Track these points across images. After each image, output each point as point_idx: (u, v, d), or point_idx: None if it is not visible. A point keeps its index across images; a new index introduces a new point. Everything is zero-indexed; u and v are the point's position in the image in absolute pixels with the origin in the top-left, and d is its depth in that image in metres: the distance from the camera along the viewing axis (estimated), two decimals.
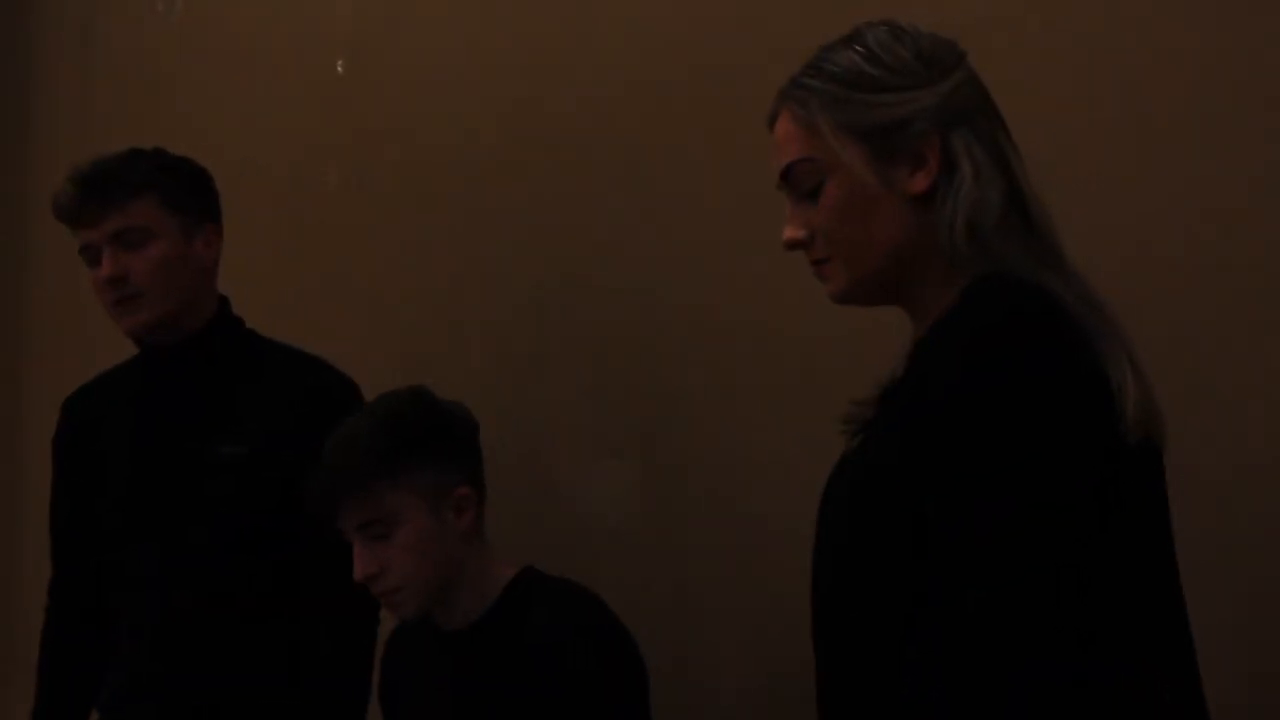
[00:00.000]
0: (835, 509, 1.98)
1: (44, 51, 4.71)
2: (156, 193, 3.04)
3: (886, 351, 2.74)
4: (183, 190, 3.09)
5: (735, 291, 3.08)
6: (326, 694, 2.98)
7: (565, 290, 3.37)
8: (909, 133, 1.98)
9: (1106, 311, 1.91)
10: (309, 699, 2.97)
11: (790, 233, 2.03)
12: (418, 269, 3.65)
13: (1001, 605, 1.75)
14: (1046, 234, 1.97)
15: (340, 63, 3.82)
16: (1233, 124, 2.44)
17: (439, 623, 2.83)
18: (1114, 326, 1.90)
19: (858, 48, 2.00)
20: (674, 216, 3.18)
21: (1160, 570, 1.91)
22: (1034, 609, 1.75)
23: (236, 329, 3.16)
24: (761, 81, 3.03)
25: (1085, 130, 2.57)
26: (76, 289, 4.58)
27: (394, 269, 3.66)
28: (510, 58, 3.48)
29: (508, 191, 3.49)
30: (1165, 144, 2.51)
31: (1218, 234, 2.45)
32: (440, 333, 3.61)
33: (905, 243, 1.98)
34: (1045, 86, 2.60)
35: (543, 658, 2.68)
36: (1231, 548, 2.38)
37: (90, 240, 3.04)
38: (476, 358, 3.51)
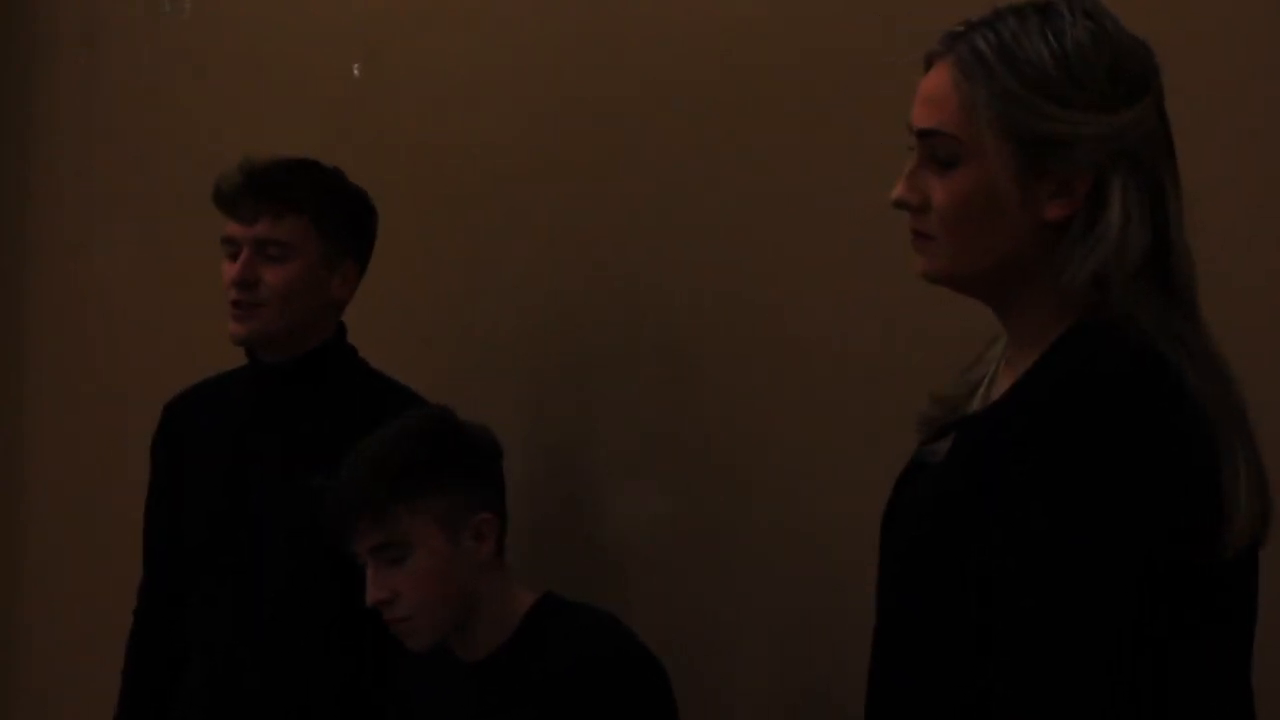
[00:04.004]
0: (904, 526, 1.90)
1: (45, 51, 4.68)
2: (313, 215, 3.03)
3: (926, 362, 2.72)
4: (340, 221, 3.06)
5: (766, 299, 3.05)
6: None
7: (590, 300, 3.33)
8: (1066, 157, 1.82)
9: (1229, 388, 1.79)
10: None
11: (901, 193, 1.88)
12: (436, 279, 3.62)
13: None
14: (1183, 289, 1.83)
15: (356, 66, 3.78)
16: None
17: (456, 653, 2.76)
18: (1236, 412, 1.78)
19: (1052, 41, 1.82)
20: (702, 224, 3.15)
21: (1224, 689, 1.80)
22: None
23: (348, 358, 3.12)
24: (791, 82, 3.02)
25: None
26: (77, 290, 4.58)
27: (412, 279, 3.64)
28: (533, 59, 3.45)
29: (530, 199, 3.45)
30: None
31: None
32: (460, 344, 3.57)
33: (1019, 261, 1.85)
34: None
35: (565, 688, 2.62)
36: None
37: (235, 234, 3.03)
38: (497, 370, 3.48)
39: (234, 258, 3.03)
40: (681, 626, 2.89)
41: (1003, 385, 1.91)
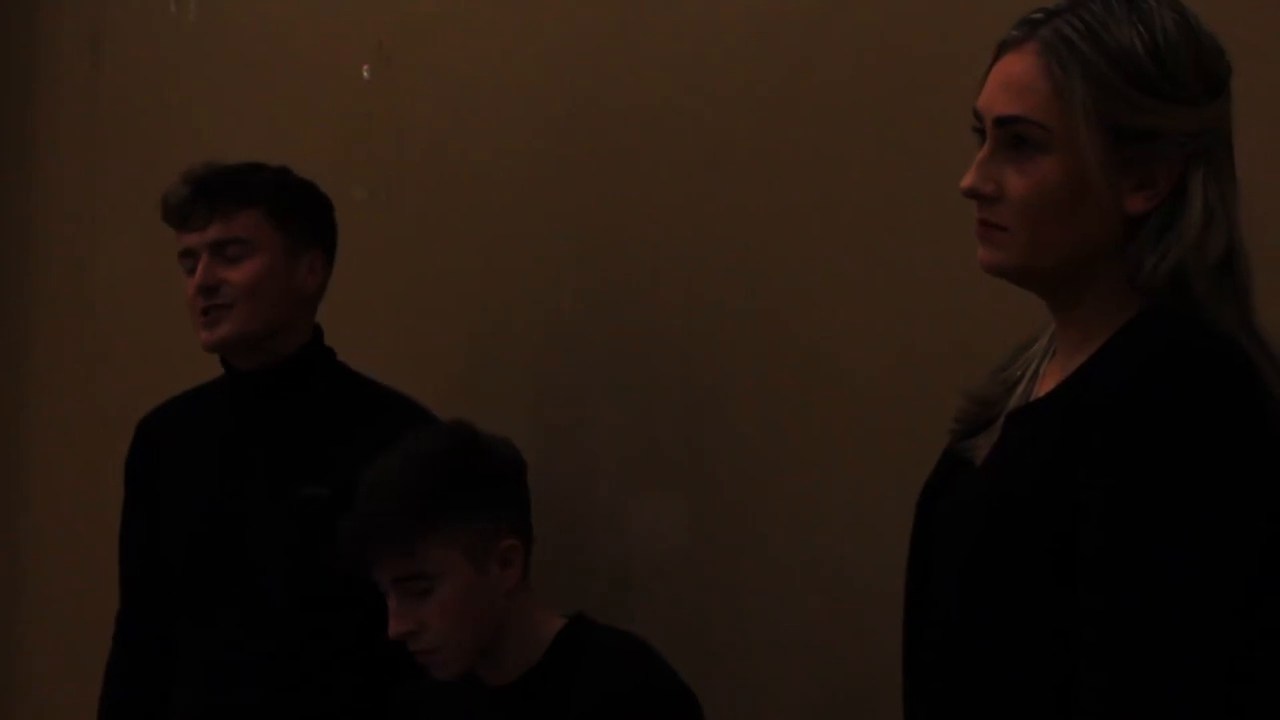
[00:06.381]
0: (963, 524, 1.85)
1: (49, 54, 4.68)
2: (265, 207, 2.99)
3: (932, 373, 2.71)
4: (294, 211, 3.02)
5: (778, 309, 3.02)
6: None
7: (608, 309, 3.31)
8: (1152, 150, 1.82)
9: None
10: None
11: (975, 183, 1.85)
12: (449, 288, 3.60)
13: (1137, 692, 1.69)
14: (1244, 290, 1.83)
15: (366, 68, 3.77)
16: None
17: (483, 677, 2.71)
18: None
19: (1142, 30, 1.81)
20: (722, 231, 3.12)
21: None
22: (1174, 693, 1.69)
23: (327, 361, 3.07)
24: (810, 83, 3.01)
25: None
26: (81, 296, 4.58)
27: (424, 288, 3.63)
28: (544, 62, 3.43)
29: (545, 206, 3.43)
30: None
31: None
32: (473, 356, 3.54)
33: (1094, 252, 1.84)
34: None
35: (594, 713, 2.58)
36: None
37: (191, 245, 3.00)
38: (512, 381, 3.45)
39: (193, 271, 2.99)
40: (685, 634, 2.88)
41: (1050, 380, 1.90)
